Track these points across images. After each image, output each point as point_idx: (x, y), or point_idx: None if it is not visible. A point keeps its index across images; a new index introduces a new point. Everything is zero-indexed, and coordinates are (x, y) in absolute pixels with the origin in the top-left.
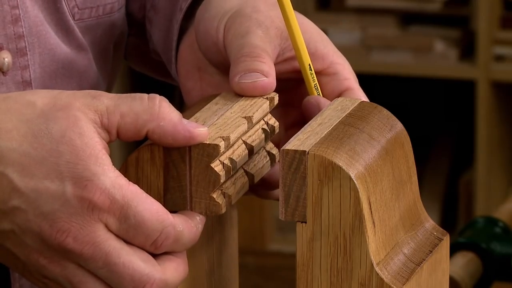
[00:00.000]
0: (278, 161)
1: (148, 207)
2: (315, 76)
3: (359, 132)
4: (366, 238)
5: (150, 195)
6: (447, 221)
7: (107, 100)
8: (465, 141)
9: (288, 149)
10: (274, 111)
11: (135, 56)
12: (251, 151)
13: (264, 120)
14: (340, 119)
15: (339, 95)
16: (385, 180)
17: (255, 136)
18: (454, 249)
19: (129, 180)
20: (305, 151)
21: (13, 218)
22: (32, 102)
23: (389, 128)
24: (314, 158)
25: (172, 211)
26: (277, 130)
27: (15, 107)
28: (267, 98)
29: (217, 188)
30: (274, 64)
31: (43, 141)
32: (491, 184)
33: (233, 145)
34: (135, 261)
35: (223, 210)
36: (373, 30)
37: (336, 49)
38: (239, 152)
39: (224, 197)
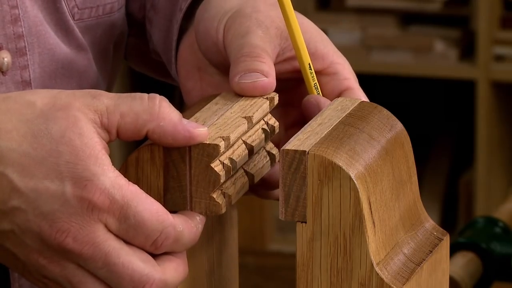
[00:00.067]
0: (278, 161)
1: (148, 207)
2: (315, 75)
3: (359, 132)
4: (366, 238)
5: (150, 195)
6: (447, 221)
7: (107, 99)
8: (465, 141)
9: (288, 149)
10: (274, 111)
11: (135, 56)
12: (251, 151)
13: (264, 120)
14: (340, 119)
15: (339, 95)
16: (385, 180)
17: (255, 136)
18: (454, 249)
19: (129, 180)
20: (305, 151)
21: (13, 218)
22: (32, 102)
23: (389, 128)
24: (314, 158)
25: (172, 211)
26: (277, 130)
27: (15, 108)
28: (267, 98)
29: (217, 188)
30: (274, 64)
31: (43, 141)
32: (491, 184)
33: (233, 145)
34: (134, 261)
35: (223, 210)
36: (373, 30)
37: (336, 49)
38: (239, 152)
39: (224, 197)
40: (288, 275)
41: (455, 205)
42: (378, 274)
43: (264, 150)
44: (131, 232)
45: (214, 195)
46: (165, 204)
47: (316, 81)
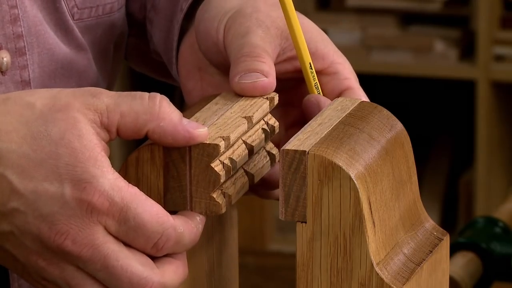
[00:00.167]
0: (278, 161)
1: (148, 209)
2: (315, 75)
3: (359, 132)
4: (366, 238)
5: (150, 195)
6: (447, 221)
7: (107, 98)
8: (465, 141)
9: (288, 149)
10: (274, 111)
11: (135, 57)
12: (251, 151)
13: (264, 120)
14: (340, 119)
15: (339, 95)
16: (385, 180)
17: (255, 136)
18: (454, 249)
19: (129, 180)
20: (305, 151)
21: (12, 220)
22: (31, 103)
23: (389, 128)
24: (314, 158)
25: (173, 211)
26: (277, 130)
27: (15, 109)
28: (267, 98)
29: (217, 188)
30: (275, 64)
31: (43, 143)
32: (491, 184)
33: (233, 145)
34: (133, 264)
35: (223, 210)
36: (373, 30)
37: (336, 49)
38: (239, 152)
39: (224, 197)
40: (288, 275)
41: (455, 205)
42: (378, 274)
43: (264, 150)
44: (131, 234)
45: (214, 195)
46: (165, 204)
47: (316, 80)
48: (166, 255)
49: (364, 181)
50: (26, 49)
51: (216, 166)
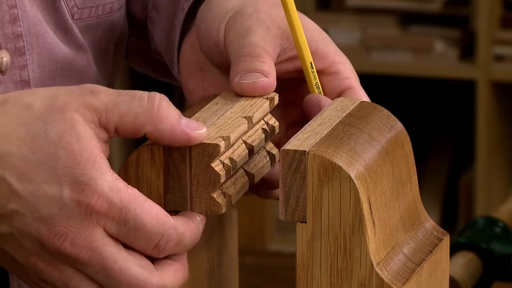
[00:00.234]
0: (278, 161)
1: (148, 210)
2: (316, 74)
3: (359, 132)
4: (366, 238)
5: (151, 195)
6: (447, 221)
7: (106, 97)
8: (465, 141)
9: (288, 149)
10: (275, 111)
11: (136, 57)
12: (251, 151)
13: (264, 120)
14: (340, 119)
15: (340, 94)
16: (385, 180)
17: (255, 136)
18: (454, 249)
19: (130, 180)
20: (305, 151)
21: (12, 222)
22: (29, 104)
23: (389, 128)
24: (314, 158)
25: (173, 211)
26: (277, 130)
27: (14, 111)
28: (267, 98)
29: (218, 188)
30: (275, 64)
31: (42, 145)
32: (491, 184)
33: (233, 145)
34: (132, 266)
35: (224, 210)
36: (373, 30)
37: (337, 48)
38: (239, 152)
39: (225, 197)
40: (288, 275)
41: (455, 205)
42: (378, 274)
43: (264, 150)
44: (131, 235)
45: (215, 195)
46: (165, 204)
47: (317, 80)
48: (166, 258)
49: (364, 181)
50: (26, 49)
51: (217, 166)
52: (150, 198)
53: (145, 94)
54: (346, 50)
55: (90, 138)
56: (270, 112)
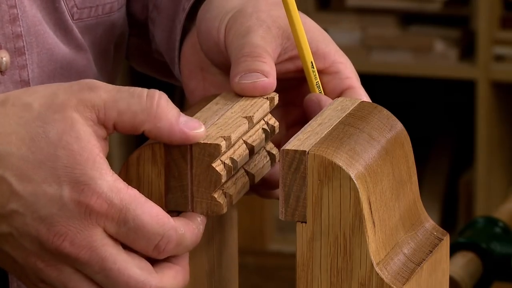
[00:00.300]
0: (278, 161)
1: (148, 211)
2: (317, 74)
3: (359, 132)
4: (366, 238)
5: (152, 194)
6: (447, 221)
7: (104, 94)
8: (465, 141)
9: (288, 149)
10: (275, 110)
11: (137, 57)
12: (251, 151)
13: (264, 120)
14: (340, 119)
15: (340, 94)
16: (385, 180)
17: (256, 136)
18: (454, 249)
19: (131, 180)
20: (305, 151)
21: (11, 222)
22: (29, 104)
23: (389, 128)
24: (314, 158)
25: (174, 211)
26: (277, 130)
27: (13, 111)
28: (267, 98)
29: (218, 188)
30: (276, 64)
31: (41, 145)
32: (491, 184)
33: (234, 145)
34: (130, 267)
35: (225, 210)
36: (373, 30)
37: (338, 48)
38: (240, 152)
39: (225, 197)
40: (288, 275)
41: (455, 205)
42: (378, 274)
43: (264, 150)
44: (131, 236)
45: (215, 195)
46: (166, 204)
47: (318, 79)
48: (167, 260)
49: (364, 181)
50: (26, 49)
51: (217, 166)
52: (151, 197)
53: (144, 91)
54: (346, 50)
55: (89, 137)
56: (270, 112)
